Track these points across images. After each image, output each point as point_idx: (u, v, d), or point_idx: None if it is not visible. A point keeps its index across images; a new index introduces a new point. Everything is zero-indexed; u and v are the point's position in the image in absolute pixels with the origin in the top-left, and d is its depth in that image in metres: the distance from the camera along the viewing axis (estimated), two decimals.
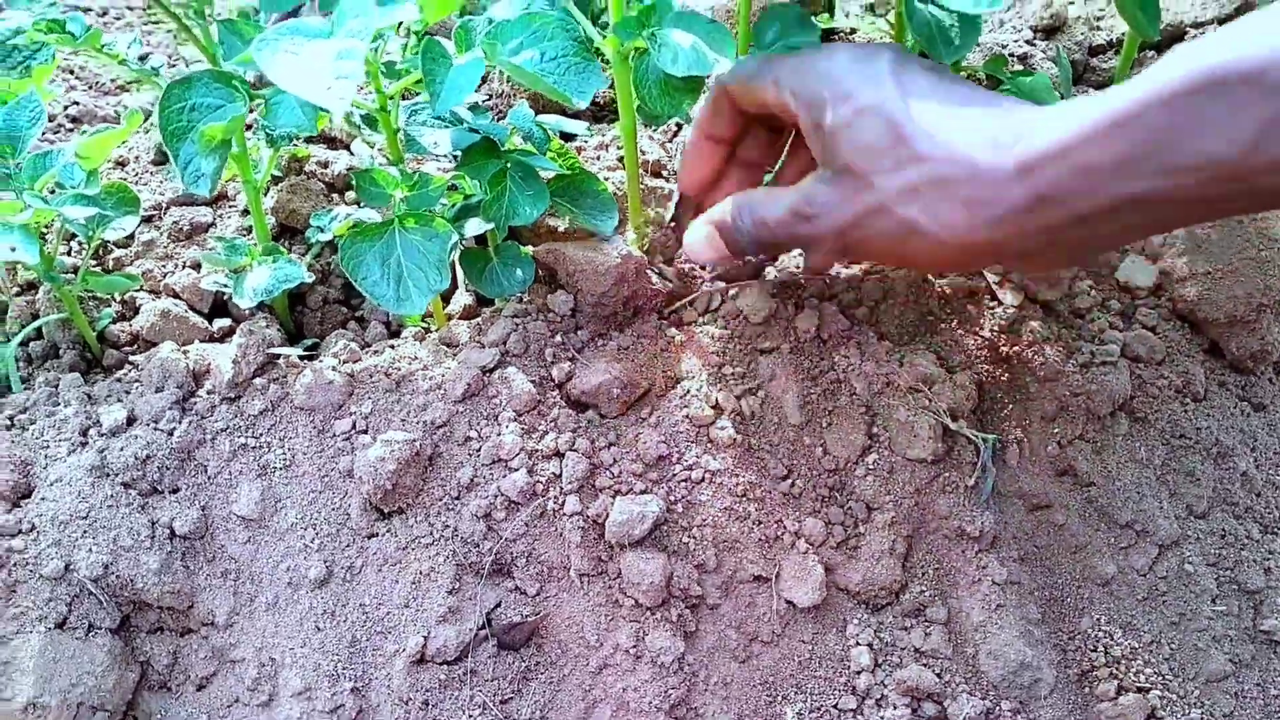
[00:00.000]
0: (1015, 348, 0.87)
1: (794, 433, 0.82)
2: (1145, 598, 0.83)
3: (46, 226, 0.87)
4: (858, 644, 0.78)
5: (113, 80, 1.24)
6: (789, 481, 0.81)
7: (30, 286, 0.93)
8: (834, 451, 0.81)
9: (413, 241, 0.72)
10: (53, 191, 0.82)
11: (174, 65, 1.21)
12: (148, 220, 0.95)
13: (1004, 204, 0.60)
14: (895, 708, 0.76)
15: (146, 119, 0.84)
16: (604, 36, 0.76)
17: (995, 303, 0.90)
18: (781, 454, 0.81)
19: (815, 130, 0.68)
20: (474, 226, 0.83)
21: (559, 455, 0.79)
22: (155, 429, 0.77)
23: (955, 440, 0.82)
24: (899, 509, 0.80)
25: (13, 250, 0.74)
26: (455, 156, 0.83)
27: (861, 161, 0.66)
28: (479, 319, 0.87)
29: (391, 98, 0.76)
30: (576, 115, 1.00)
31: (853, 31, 1.12)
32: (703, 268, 0.90)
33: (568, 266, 0.85)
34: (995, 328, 0.88)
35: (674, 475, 0.79)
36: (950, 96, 0.66)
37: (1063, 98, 0.94)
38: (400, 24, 0.74)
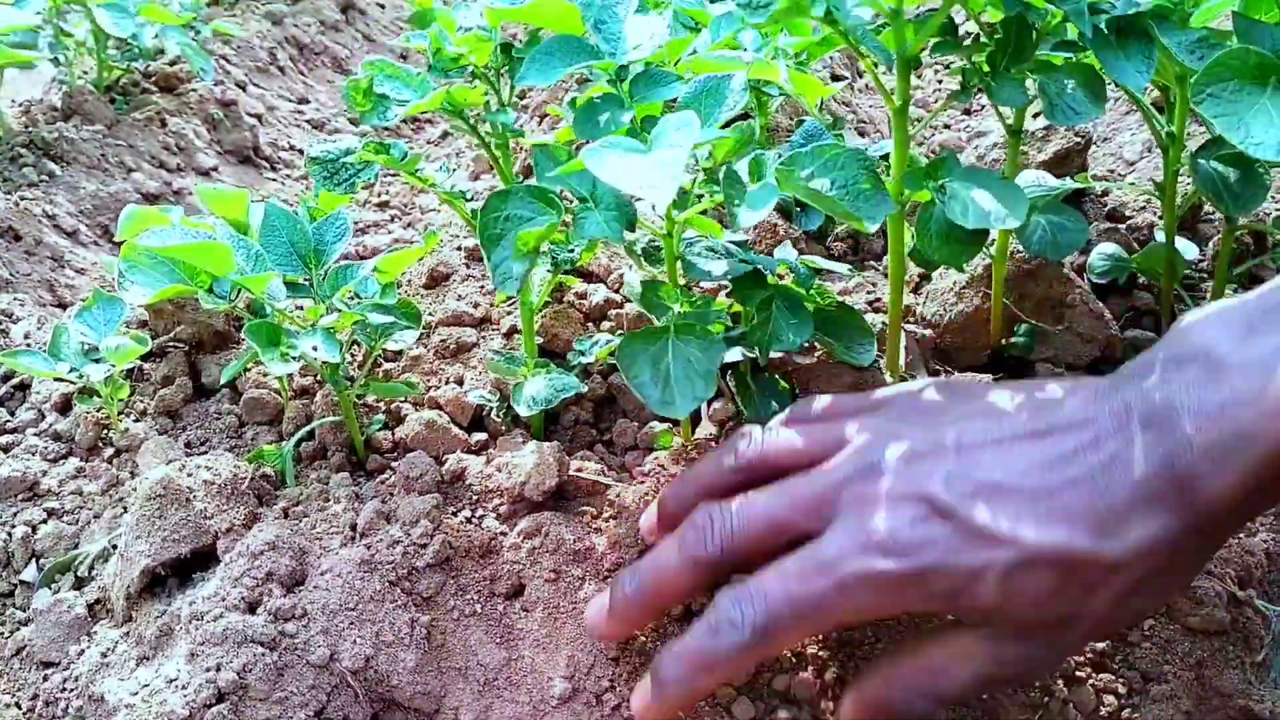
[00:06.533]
0: None
1: None
2: None
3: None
4: None
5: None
6: None
7: (304, 392, 0.99)
8: None
9: (684, 351, 0.74)
10: (348, 303, 0.88)
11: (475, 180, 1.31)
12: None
13: (1221, 525, 0.56)
14: None
15: (438, 240, 0.91)
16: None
17: None
18: None
19: (949, 611, 0.61)
20: (733, 354, 0.85)
21: None
22: (419, 531, 0.80)
23: (1242, 610, 0.76)
24: (1178, 681, 0.74)
25: (315, 350, 0.80)
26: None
27: (1049, 612, 0.57)
28: None
29: (678, 224, 0.80)
30: (839, 258, 1.02)
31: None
32: None
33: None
34: None
35: None
36: (1054, 466, 0.56)
37: None
38: (695, 160, 0.79)
